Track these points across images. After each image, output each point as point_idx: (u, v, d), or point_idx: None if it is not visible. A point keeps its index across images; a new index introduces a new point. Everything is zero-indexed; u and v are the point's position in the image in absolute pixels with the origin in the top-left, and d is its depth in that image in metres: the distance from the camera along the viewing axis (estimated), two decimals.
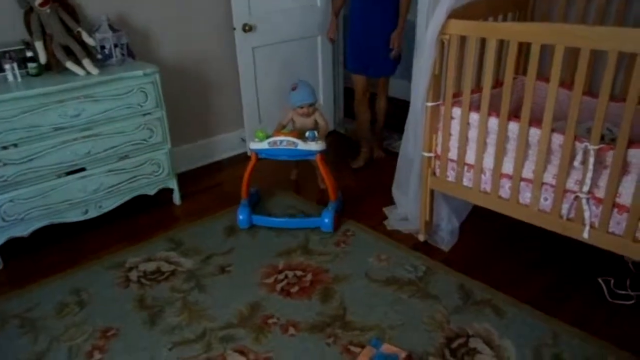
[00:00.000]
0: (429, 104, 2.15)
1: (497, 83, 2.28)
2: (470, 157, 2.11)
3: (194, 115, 3.35)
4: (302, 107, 2.70)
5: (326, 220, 2.51)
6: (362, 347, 1.82)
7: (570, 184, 1.83)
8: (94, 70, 2.46)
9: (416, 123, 2.29)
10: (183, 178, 3.07)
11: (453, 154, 2.18)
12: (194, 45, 3.19)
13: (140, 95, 2.59)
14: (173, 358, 1.82)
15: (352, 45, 3.18)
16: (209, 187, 3.16)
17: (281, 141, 2.45)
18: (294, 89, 2.72)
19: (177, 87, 3.14)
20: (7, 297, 2.17)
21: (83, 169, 2.52)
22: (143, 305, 2.10)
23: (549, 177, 1.88)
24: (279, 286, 2.19)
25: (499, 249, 2.42)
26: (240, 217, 2.57)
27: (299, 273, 2.27)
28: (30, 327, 2.00)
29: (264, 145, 2.48)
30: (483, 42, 2.12)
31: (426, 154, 2.26)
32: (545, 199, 1.92)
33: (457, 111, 2.10)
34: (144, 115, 2.65)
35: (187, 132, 3.31)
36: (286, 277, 2.25)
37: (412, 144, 2.38)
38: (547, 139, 1.83)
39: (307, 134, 2.48)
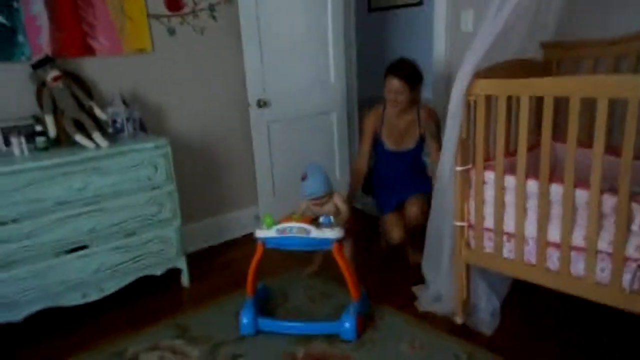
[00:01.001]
0: (459, 168, 1.98)
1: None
2: (509, 225, 1.91)
3: (205, 192, 3.22)
4: (313, 199, 2.40)
5: (347, 325, 2.10)
6: None
7: (630, 251, 1.60)
8: (104, 143, 2.37)
9: (444, 190, 2.11)
10: (192, 258, 2.87)
11: (489, 222, 1.97)
12: (207, 121, 3.13)
13: (150, 169, 2.48)
14: None
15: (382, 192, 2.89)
16: (220, 267, 2.94)
17: (291, 228, 2.10)
18: (303, 178, 2.39)
19: (189, 162, 3.04)
20: None
21: (85, 247, 2.34)
22: None
23: (603, 244, 1.66)
24: None
25: (549, 329, 2.13)
26: (244, 320, 2.17)
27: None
28: None
29: (271, 233, 2.13)
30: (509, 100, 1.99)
31: (458, 224, 2.06)
32: (602, 270, 1.68)
33: (489, 175, 1.93)
34: (153, 189, 2.51)
35: (198, 209, 3.16)
36: None
37: (440, 215, 2.18)
38: (596, 201, 1.63)
39: (321, 219, 2.17)
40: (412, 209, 2.67)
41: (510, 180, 1.87)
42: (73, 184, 2.25)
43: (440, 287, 2.30)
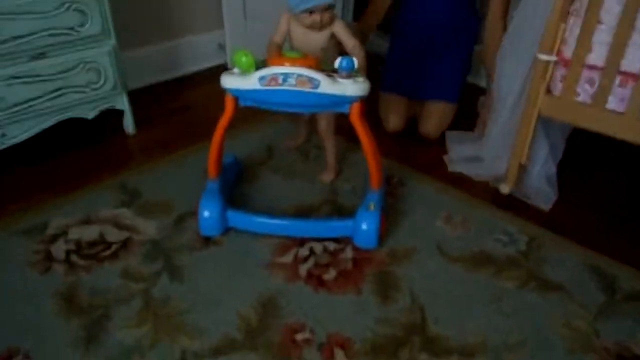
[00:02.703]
0: None
1: None
2: (634, 62, 1.26)
3: (148, 6, 2.31)
4: (311, 13, 1.44)
5: (364, 227, 1.38)
6: None
7: None
8: None
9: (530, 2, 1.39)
10: (136, 97, 2.05)
11: (597, 56, 1.31)
12: None
13: None
14: None
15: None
16: (173, 112, 2.18)
17: (286, 76, 1.26)
18: None
19: None
20: None
21: None
22: (73, 307, 1.21)
23: None
24: (303, 269, 1.34)
25: (624, 207, 1.65)
26: (205, 213, 1.41)
27: (332, 247, 1.42)
28: None
29: (251, 81, 1.28)
30: None
31: (543, 57, 1.39)
32: None
33: None
34: None
35: (138, 31, 2.27)
36: (312, 252, 1.40)
37: (511, 43, 1.49)
38: None
39: (338, 61, 1.28)
40: (429, 122, 1.95)
41: None
42: None
43: (488, 143, 1.71)
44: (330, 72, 1.28)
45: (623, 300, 1.27)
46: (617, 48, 1.27)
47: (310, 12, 1.42)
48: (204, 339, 1.15)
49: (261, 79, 1.27)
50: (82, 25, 1.70)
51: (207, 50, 2.60)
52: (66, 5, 1.64)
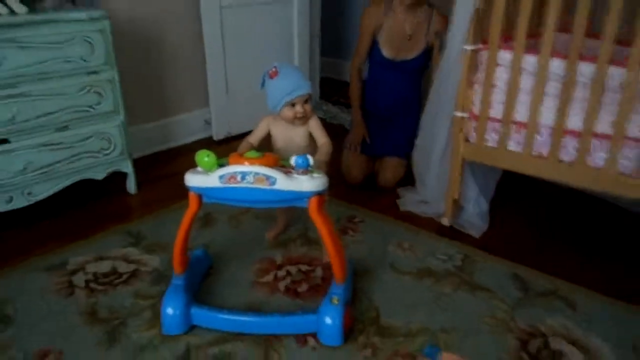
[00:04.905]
0: (468, 47, 1.72)
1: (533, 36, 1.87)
2: (522, 114, 1.70)
3: (148, 90, 2.75)
4: (293, 105, 1.56)
5: (328, 322, 1.37)
6: (413, 359, 1.33)
7: None
8: (21, 9, 1.84)
9: (446, 77, 1.85)
10: (136, 164, 2.44)
11: (496, 111, 1.76)
12: (152, 2, 2.60)
13: (84, 47, 1.99)
14: None
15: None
16: (168, 176, 2.55)
17: (244, 174, 1.32)
18: (272, 75, 1.57)
19: (128, 52, 2.53)
20: None
21: (6, 141, 1.88)
22: (95, 319, 1.50)
23: (633, 129, 1.50)
24: (281, 285, 1.66)
25: (540, 231, 2.03)
26: (168, 310, 1.41)
27: (304, 268, 1.75)
28: None
29: (212, 180, 1.34)
30: None
31: (459, 114, 1.83)
32: (627, 158, 1.53)
33: (505, 55, 1.68)
34: (89, 74, 2.04)
35: (140, 110, 2.69)
36: (288, 273, 1.73)
37: (436, 106, 1.94)
38: (634, 78, 1.44)
39: (293, 159, 1.34)
40: (386, 174, 2.34)
41: (529, 61, 1.63)
42: None
43: (427, 189, 2.11)
44: (290, 169, 1.34)
45: (535, 296, 1.61)
46: (509, 105, 1.72)
47: (293, 104, 1.57)
48: (203, 336, 1.43)
49: (221, 177, 1.33)
50: (98, 104, 2.10)
51: (195, 126, 3.02)
52: (87, 88, 2.05)
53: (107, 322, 1.48)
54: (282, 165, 1.38)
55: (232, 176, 1.32)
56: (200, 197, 1.41)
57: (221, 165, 1.36)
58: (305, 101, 1.58)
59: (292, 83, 1.55)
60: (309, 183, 1.31)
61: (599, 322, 1.48)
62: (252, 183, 1.31)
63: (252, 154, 1.38)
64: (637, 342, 1.41)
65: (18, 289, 1.62)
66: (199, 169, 1.38)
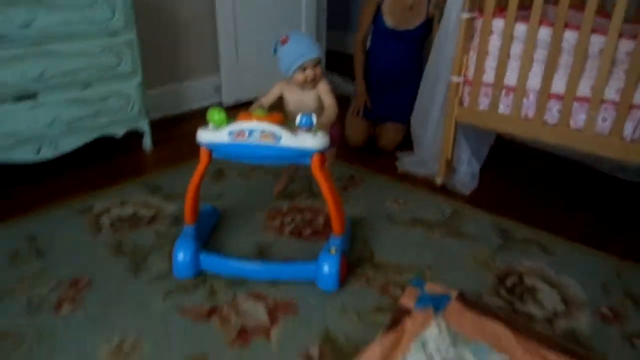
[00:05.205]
0: (465, 16, 1.86)
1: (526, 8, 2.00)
2: (511, 78, 1.85)
3: (162, 55, 2.89)
4: (304, 69, 1.66)
5: (326, 270, 1.47)
6: (402, 287, 1.51)
7: (638, 99, 1.60)
8: None
9: (443, 44, 1.99)
10: (151, 126, 2.59)
11: (489, 76, 1.90)
12: None
13: (107, 10, 2.14)
14: (170, 308, 1.43)
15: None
16: (180, 137, 2.71)
17: (251, 131, 1.40)
18: (284, 42, 1.66)
19: (144, 18, 2.67)
20: None
21: (34, 96, 2.04)
22: (121, 252, 1.68)
23: (611, 92, 1.65)
24: (287, 229, 1.84)
25: (526, 191, 2.20)
26: (179, 256, 1.53)
27: (308, 216, 1.92)
28: None
29: (221, 136, 1.43)
30: None
31: (455, 79, 1.98)
32: (604, 120, 1.68)
33: (498, 23, 1.82)
34: (111, 35, 2.19)
35: (154, 75, 2.83)
36: (293, 220, 1.90)
37: (435, 71, 2.09)
38: (613, 45, 1.59)
39: (298, 118, 1.43)
40: (386, 138, 2.51)
41: (520, 29, 1.77)
42: (14, 17, 1.89)
43: (424, 150, 2.26)
44: (293, 127, 1.42)
45: (515, 243, 1.78)
46: (500, 70, 1.86)
47: (303, 68, 1.67)
48: None
49: (230, 133, 1.40)
50: (118, 65, 2.26)
51: (205, 92, 3.17)
52: (107, 49, 2.20)
53: (131, 255, 1.66)
54: (286, 124, 1.45)
55: (240, 132, 1.40)
56: (210, 152, 1.49)
57: (230, 122, 1.45)
58: (315, 65, 1.68)
59: (302, 48, 1.65)
60: (312, 141, 1.39)
61: (572, 265, 1.65)
62: (258, 139, 1.39)
63: (260, 112, 1.47)
64: (606, 282, 1.58)
65: (50, 228, 1.80)
66: (210, 126, 1.46)
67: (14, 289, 1.49)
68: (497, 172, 2.33)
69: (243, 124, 1.41)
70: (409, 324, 1.30)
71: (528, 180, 2.31)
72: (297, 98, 1.74)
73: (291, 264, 1.57)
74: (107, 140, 2.38)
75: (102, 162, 2.35)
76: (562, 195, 2.17)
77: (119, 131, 2.36)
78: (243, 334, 1.34)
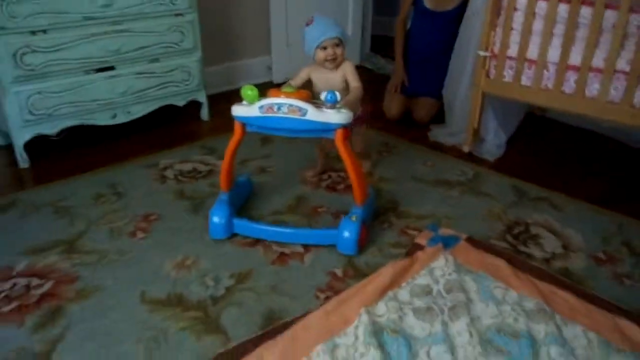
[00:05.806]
0: None
1: None
2: (533, 52, 2.01)
3: (217, 36, 3.20)
4: (325, 48, 1.76)
5: (346, 235, 1.59)
6: (419, 231, 1.74)
7: None
8: None
9: (472, 19, 2.17)
10: (209, 100, 2.92)
11: (513, 50, 2.07)
12: None
13: None
14: (223, 239, 1.72)
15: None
16: None
17: (280, 105, 1.52)
18: (308, 23, 1.80)
19: (201, 2, 2.97)
20: (35, 190, 2.05)
21: (112, 68, 2.39)
22: (183, 197, 2.00)
23: (622, 63, 1.79)
24: (324, 184, 2.10)
25: (549, 160, 2.35)
26: (215, 218, 1.68)
27: (343, 174, 2.17)
28: (64, 213, 1.89)
29: (253, 111, 1.56)
30: None
31: (482, 53, 2.15)
32: (616, 89, 1.82)
33: (522, 1, 1.99)
34: (176, 15, 2.51)
35: (210, 53, 3.13)
36: (330, 177, 2.15)
37: (465, 46, 2.27)
38: (625, 19, 1.73)
39: (323, 94, 1.53)
40: (420, 112, 2.71)
41: (541, 5, 1.93)
42: None
43: (454, 120, 2.45)
44: (321, 104, 1.53)
45: (528, 200, 1.96)
46: (523, 44, 2.03)
47: (324, 47, 1.77)
48: (264, 210, 1.89)
49: (260, 108, 1.53)
50: (181, 41, 2.57)
51: (258, 71, 3.46)
52: (172, 28, 2.52)
53: (191, 199, 1.98)
54: (312, 100, 1.56)
55: (270, 107, 1.52)
56: (244, 125, 1.64)
57: (261, 99, 1.57)
58: (337, 45, 1.76)
59: (322, 28, 1.74)
60: (336, 116, 1.50)
61: (577, 220, 1.82)
62: (286, 113, 1.51)
63: (289, 88, 1.58)
64: (607, 235, 1.74)
65: (126, 176, 2.14)
66: (244, 102, 1.59)
67: (98, 221, 1.83)
68: (525, 144, 2.49)
69: (272, 100, 1.53)
70: (420, 255, 1.53)
71: (554, 152, 2.44)
72: (324, 79, 1.82)
73: (315, 230, 1.74)
74: (171, 108, 2.71)
75: (167, 128, 2.69)
76: (584, 165, 2.30)
77: (181, 101, 2.69)
78: (282, 257, 1.62)
